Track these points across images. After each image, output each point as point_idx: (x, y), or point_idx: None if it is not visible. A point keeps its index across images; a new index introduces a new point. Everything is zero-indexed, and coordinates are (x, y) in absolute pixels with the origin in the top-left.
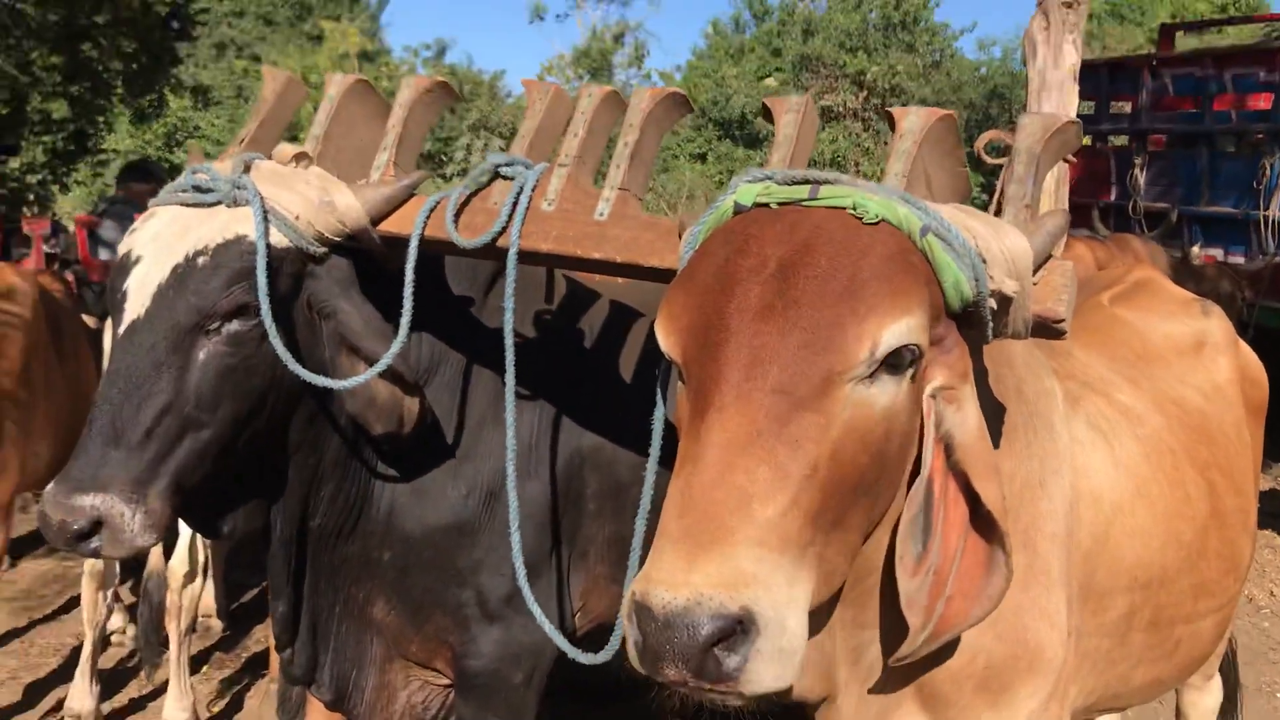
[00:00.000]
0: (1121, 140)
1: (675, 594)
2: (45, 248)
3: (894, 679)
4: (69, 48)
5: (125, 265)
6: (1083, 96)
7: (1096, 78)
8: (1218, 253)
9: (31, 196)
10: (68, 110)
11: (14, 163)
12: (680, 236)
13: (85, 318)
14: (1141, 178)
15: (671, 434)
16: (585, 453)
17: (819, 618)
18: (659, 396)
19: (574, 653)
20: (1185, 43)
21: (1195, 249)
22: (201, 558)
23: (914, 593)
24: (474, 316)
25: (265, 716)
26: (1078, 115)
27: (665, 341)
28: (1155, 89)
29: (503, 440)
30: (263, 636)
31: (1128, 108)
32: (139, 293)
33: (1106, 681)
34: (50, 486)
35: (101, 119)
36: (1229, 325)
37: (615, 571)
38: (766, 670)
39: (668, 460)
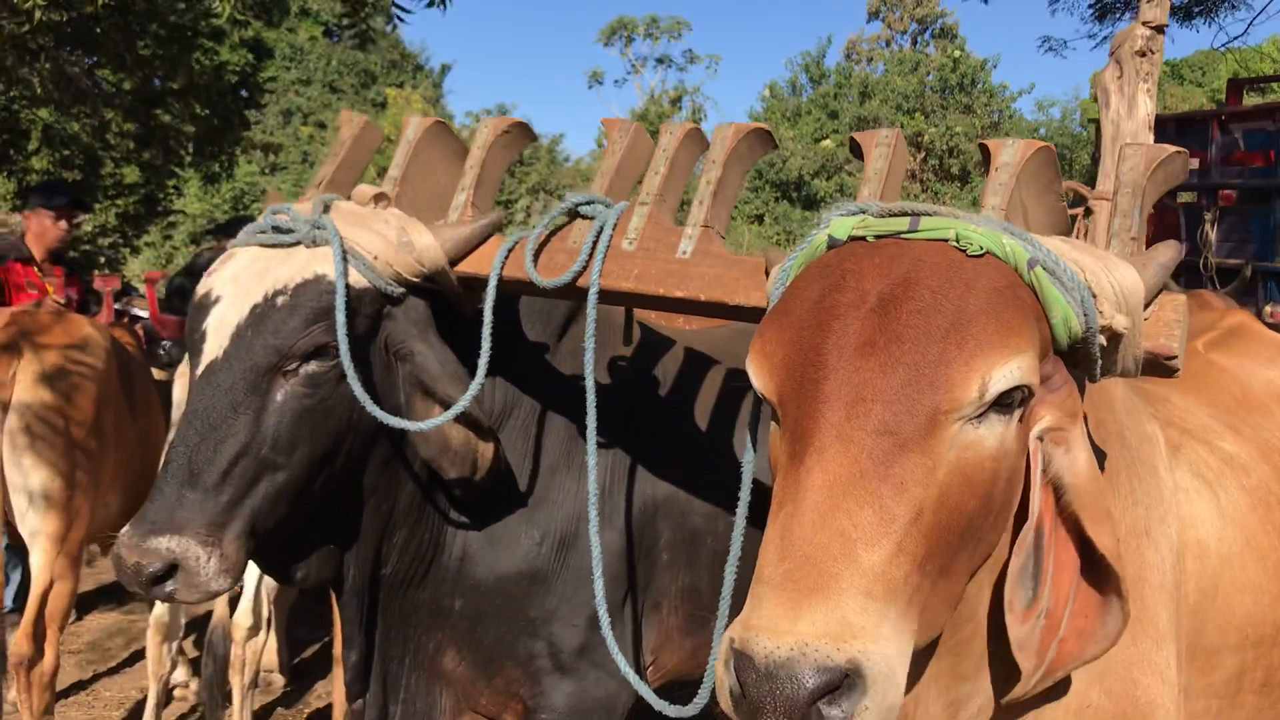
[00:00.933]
0: (1190, 196)
1: (779, 643)
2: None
3: None
4: (142, 114)
5: (204, 305)
6: None
7: (1164, 133)
8: None
9: (103, 259)
10: (139, 175)
11: (87, 226)
12: (767, 274)
13: (154, 371)
14: (1212, 234)
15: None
16: (659, 501)
17: (917, 668)
18: (748, 440)
19: (660, 705)
20: (1251, 100)
21: (1269, 307)
22: (265, 611)
23: (1025, 638)
24: (548, 361)
25: None
26: None
27: (759, 380)
28: (1225, 144)
29: (576, 487)
30: (324, 692)
31: (1196, 163)
32: (217, 333)
33: None
34: (126, 529)
35: (171, 183)
36: None
37: (688, 625)
38: None
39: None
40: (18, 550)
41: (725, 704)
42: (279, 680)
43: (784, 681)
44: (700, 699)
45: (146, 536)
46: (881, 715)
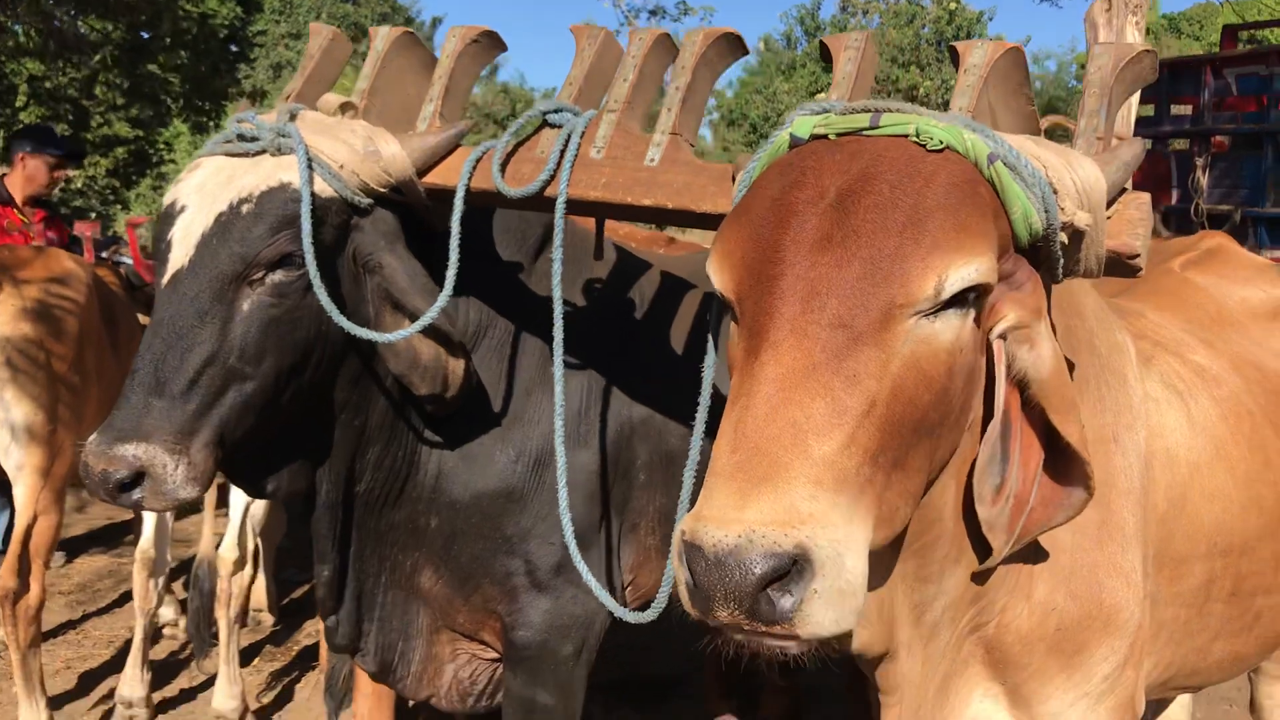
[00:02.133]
0: (1182, 144)
1: (726, 531)
2: (103, 254)
3: (960, 640)
4: (129, 65)
5: (170, 215)
6: (1142, 99)
7: (1156, 80)
8: None
9: (94, 214)
10: (128, 129)
11: (77, 181)
12: (734, 180)
13: (140, 317)
14: (1204, 179)
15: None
16: (635, 423)
17: (880, 568)
18: (710, 340)
19: (621, 612)
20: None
21: (1264, 253)
22: (251, 546)
23: (995, 518)
24: (522, 281)
25: (315, 708)
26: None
27: (718, 278)
28: (1218, 89)
29: (551, 406)
30: (314, 631)
31: (1188, 110)
32: (183, 242)
33: (1184, 655)
34: (93, 436)
35: (162, 137)
36: None
37: (666, 545)
38: (824, 612)
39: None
40: (5, 490)
41: (683, 597)
42: (268, 619)
43: (732, 569)
44: (658, 603)
45: (113, 444)
46: (833, 599)
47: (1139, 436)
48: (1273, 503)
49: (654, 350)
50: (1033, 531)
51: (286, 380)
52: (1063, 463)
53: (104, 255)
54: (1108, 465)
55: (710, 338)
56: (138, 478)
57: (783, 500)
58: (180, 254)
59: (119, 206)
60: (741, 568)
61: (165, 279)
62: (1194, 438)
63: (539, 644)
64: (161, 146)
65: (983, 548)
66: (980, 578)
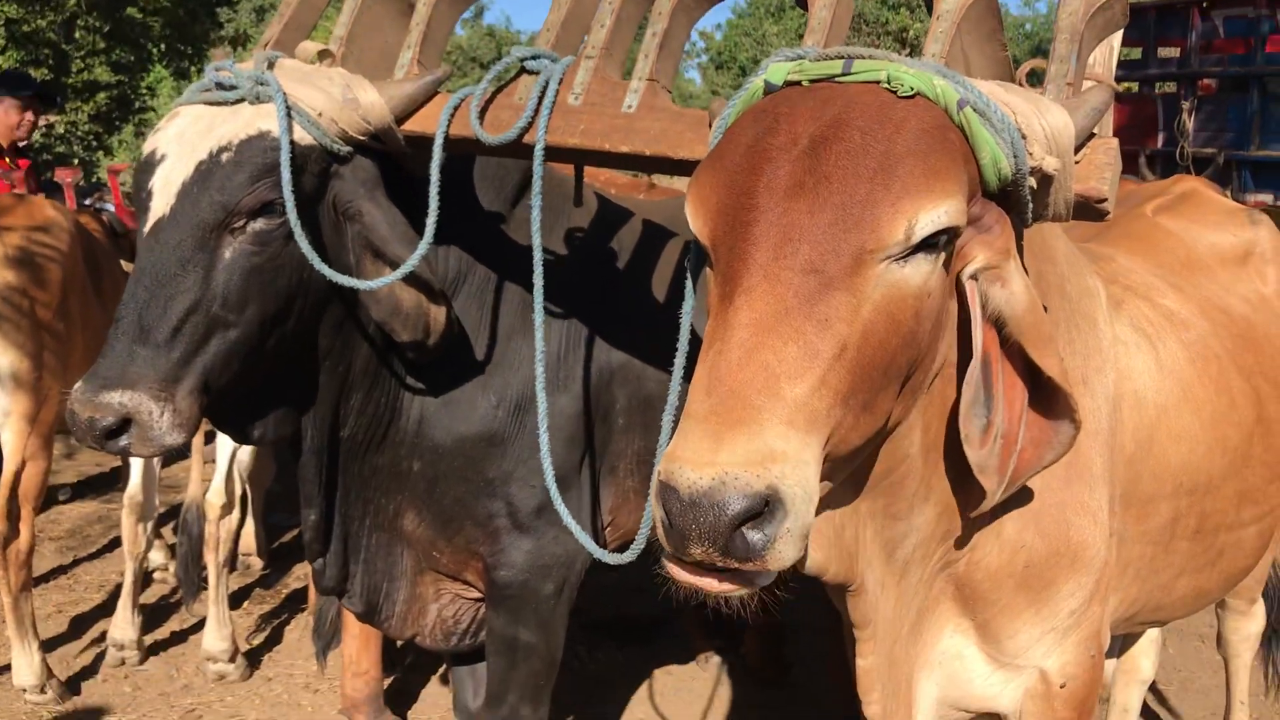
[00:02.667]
0: (1169, 87)
1: (701, 473)
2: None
3: (931, 577)
4: (109, 9)
5: (150, 164)
6: (1127, 42)
7: (1143, 22)
8: (1268, 197)
9: (76, 160)
10: (109, 74)
11: (59, 127)
12: (711, 127)
13: (124, 265)
14: (1190, 123)
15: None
16: (614, 367)
17: (839, 497)
18: (689, 284)
19: (599, 553)
20: None
21: (1249, 197)
22: (239, 491)
23: (984, 460)
24: (501, 228)
25: (305, 649)
26: (1122, 61)
27: (694, 224)
28: (1205, 31)
29: (532, 352)
30: (302, 574)
31: (1175, 52)
32: (164, 191)
33: (1149, 591)
34: (78, 384)
35: (144, 82)
36: (1278, 236)
37: (644, 486)
38: (791, 548)
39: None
40: None
41: (659, 536)
42: (257, 563)
43: (707, 509)
44: (637, 545)
45: (99, 391)
46: (800, 537)
47: (1108, 379)
48: (1236, 443)
49: (633, 296)
50: (1024, 473)
51: (270, 327)
52: (1046, 399)
53: (87, 202)
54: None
55: (689, 282)
56: (124, 424)
57: (755, 442)
58: (161, 203)
59: (101, 152)
60: (716, 508)
61: (147, 228)
62: (1162, 380)
63: (521, 583)
64: (144, 92)
65: (960, 489)
66: (949, 516)
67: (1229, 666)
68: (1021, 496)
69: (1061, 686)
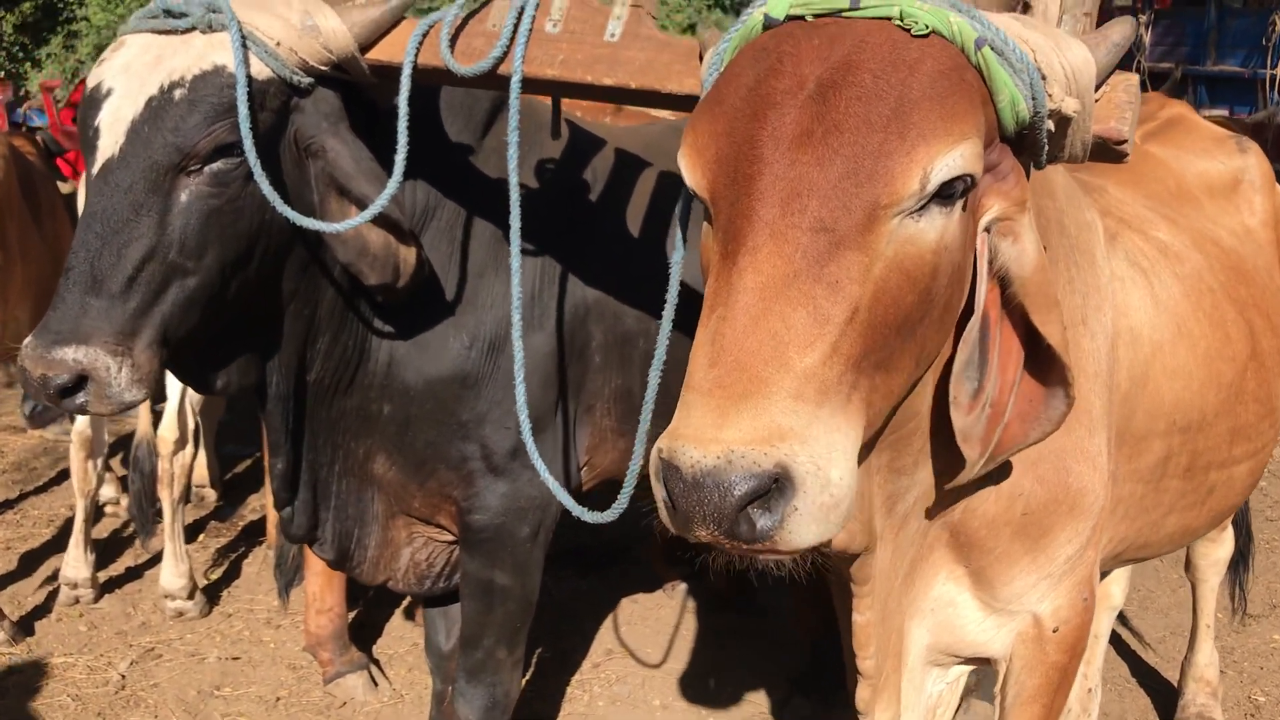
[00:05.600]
0: (1126, 1)
1: (704, 451)
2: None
3: (928, 526)
4: None
5: (95, 99)
6: None
7: None
8: (1223, 112)
9: (2, 74)
10: None
11: None
12: (701, 58)
13: (60, 185)
14: (1146, 37)
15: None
16: (589, 304)
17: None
18: (678, 235)
19: (579, 511)
20: None
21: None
22: (191, 424)
23: (970, 428)
24: (471, 160)
25: (264, 582)
26: None
27: (690, 175)
28: None
29: (505, 290)
30: (258, 506)
31: None
32: (112, 129)
33: (1138, 529)
34: (28, 339)
35: None
36: (1267, 164)
37: (622, 426)
38: (808, 528)
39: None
40: None
41: (661, 515)
42: (211, 495)
43: (711, 490)
44: (619, 505)
45: (51, 347)
46: (815, 515)
47: (1106, 319)
48: (1230, 379)
49: (608, 229)
50: (1007, 448)
51: (231, 273)
52: (1043, 366)
53: (17, 120)
54: (1077, 349)
55: (677, 230)
56: (80, 382)
57: (762, 418)
58: (109, 142)
59: (29, 64)
60: (720, 489)
61: (95, 168)
62: (1157, 316)
63: (496, 526)
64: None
65: (957, 451)
66: (951, 472)
67: (1196, 591)
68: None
69: (1054, 631)
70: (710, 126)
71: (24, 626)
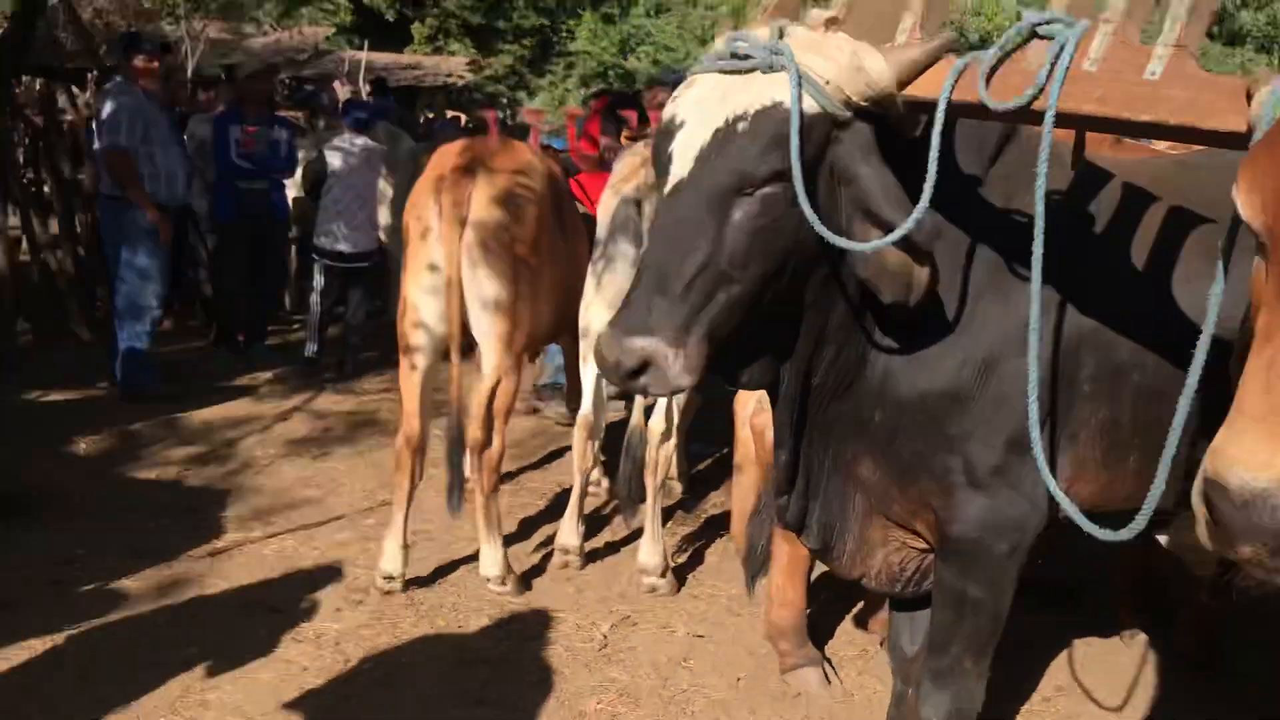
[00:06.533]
0: None
1: (1256, 475)
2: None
3: None
4: None
5: (669, 129)
6: None
7: None
8: None
9: (504, 100)
10: (536, 19)
11: (486, 70)
12: (1248, 98)
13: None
14: None
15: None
16: (1084, 333)
17: None
18: (1219, 267)
19: (1089, 527)
20: None
21: None
22: (675, 419)
23: None
24: (977, 190)
25: (725, 571)
26: None
27: (1246, 209)
28: None
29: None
30: (718, 501)
31: None
32: (683, 155)
33: None
34: (605, 329)
35: (567, 26)
36: None
37: (1105, 458)
38: None
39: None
40: None
41: (1200, 532)
42: (678, 487)
43: (1260, 510)
44: (1136, 525)
45: (624, 337)
46: None
47: None
48: None
49: (1109, 261)
50: None
51: (767, 284)
52: None
53: (544, 144)
54: None
55: (1220, 264)
56: (643, 367)
57: None
58: (680, 166)
59: (524, 92)
60: (1272, 511)
61: (667, 189)
62: None
63: (973, 540)
64: (565, 36)
65: None
66: None
67: None
68: None
69: None
70: (1271, 164)
71: (524, 582)
